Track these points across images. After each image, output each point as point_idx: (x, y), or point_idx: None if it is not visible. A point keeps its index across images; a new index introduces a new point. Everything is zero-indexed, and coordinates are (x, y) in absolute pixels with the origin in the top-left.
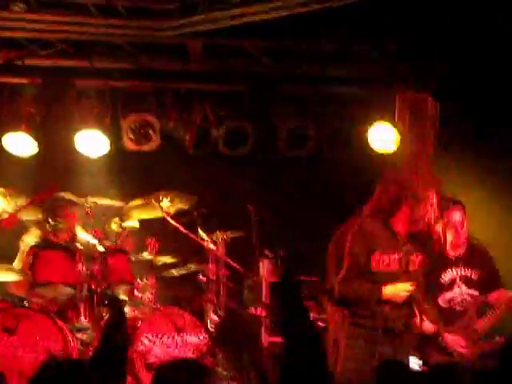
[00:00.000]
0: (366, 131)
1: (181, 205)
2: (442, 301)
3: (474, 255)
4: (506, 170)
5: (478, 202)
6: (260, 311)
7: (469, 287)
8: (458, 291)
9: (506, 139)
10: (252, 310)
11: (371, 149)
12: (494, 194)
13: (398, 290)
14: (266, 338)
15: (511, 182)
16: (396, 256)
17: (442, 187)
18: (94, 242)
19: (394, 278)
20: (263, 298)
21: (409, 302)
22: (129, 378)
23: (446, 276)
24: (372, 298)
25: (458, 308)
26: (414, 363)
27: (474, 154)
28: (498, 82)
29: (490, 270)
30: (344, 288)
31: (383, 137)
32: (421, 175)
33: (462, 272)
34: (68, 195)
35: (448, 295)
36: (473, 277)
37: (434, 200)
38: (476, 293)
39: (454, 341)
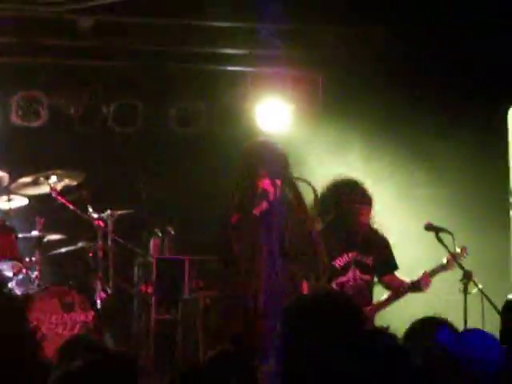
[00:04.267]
0: (256, 109)
1: (69, 182)
2: (335, 284)
3: (370, 240)
4: None
5: None
6: (149, 289)
7: (362, 272)
8: (352, 275)
9: None
10: (142, 287)
11: (260, 128)
12: None
13: None
14: (153, 316)
15: None
16: None
17: None
18: None
19: None
20: (153, 276)
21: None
22: None
23: (341, 260)
24: None
25: (349, 292)
26: None
27: None
28: None
29: (386, 255)
30: None
31: (273, 116)
32: None
33: (357, 257)
34: None
35: (341, 279)
36: (367, 262)
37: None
38: (368, 277)
39: None
